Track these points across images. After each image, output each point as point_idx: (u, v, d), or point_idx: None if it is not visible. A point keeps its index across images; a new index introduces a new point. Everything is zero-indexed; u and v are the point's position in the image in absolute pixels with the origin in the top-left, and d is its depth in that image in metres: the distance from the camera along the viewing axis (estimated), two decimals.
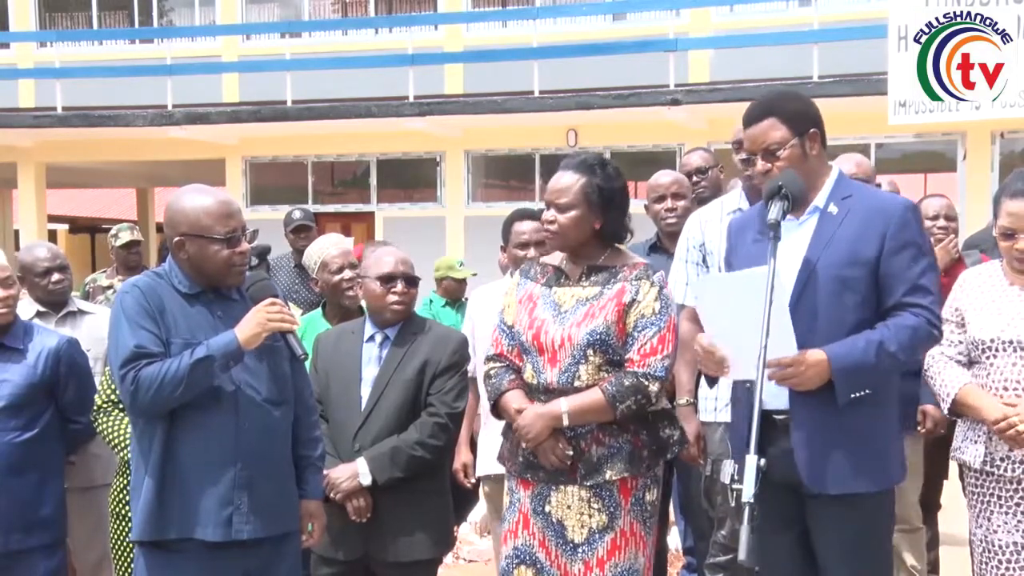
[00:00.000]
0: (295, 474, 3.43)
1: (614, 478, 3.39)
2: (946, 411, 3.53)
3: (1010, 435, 3.35)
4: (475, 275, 7.72)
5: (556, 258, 3.61)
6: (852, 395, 3.05)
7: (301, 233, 7.63)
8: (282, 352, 3.34)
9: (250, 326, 3.20)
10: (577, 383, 3.39)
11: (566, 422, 3.37)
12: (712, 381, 3.41)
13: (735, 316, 3.00)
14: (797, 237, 3.19)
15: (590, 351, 3.38)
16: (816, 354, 3.03)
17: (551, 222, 3.46)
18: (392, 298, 3.88)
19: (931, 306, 3.13)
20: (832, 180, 3.24)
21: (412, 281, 3.93)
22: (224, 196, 3.35)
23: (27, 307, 4.69)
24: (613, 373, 3.38)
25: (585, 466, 3.40)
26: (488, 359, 3.63)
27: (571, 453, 3.40)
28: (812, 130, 3.19)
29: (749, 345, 2.90)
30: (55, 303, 4.77)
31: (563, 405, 3.37)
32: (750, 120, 3.23)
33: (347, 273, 4.46)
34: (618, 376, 3.36)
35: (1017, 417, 3.34)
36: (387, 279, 3.89)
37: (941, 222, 4.79)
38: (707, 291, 3.27)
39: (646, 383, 3.34)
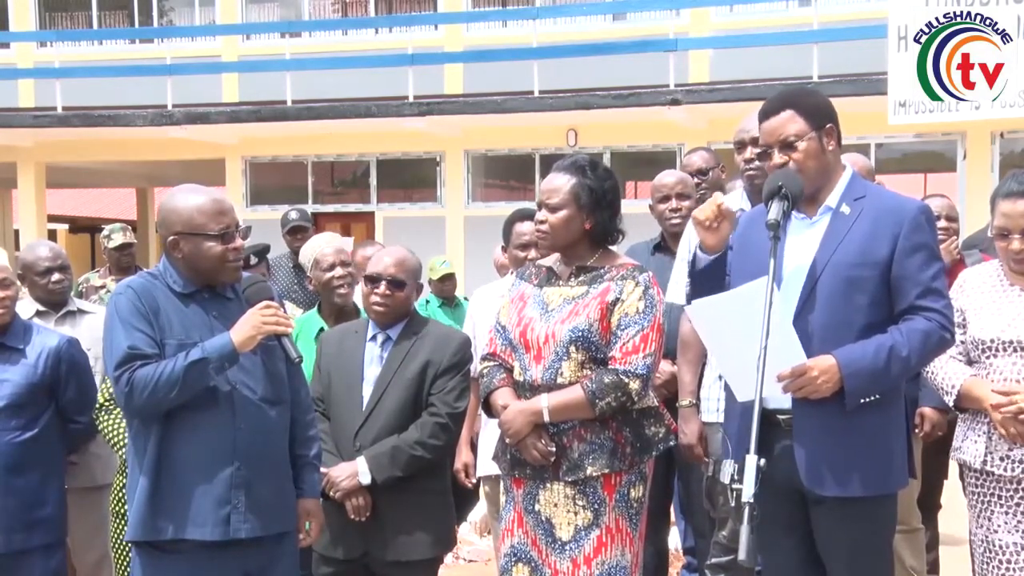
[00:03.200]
0: (292, 473, 3.43)
1: (595, 474, 3.43)
2: (951, 403, 3.52)
3: (1012, 409, 3.32)
4: (451, 272, 7.78)
5: (551, 260, 3.66)
6: (861, 400, 3.04)
7: (297, 234, 7.63)
8: (278, 351, 3.34)
9: (245, 329, 3.20)
10: (560, 379, 3.44)
11: (546, 418, 3.42)
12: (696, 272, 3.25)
13: (740, 333, 2.93)
14: (809, 236, 3.18)
15: (572, 348, 3.42)
16: (826, 360, 3.00)
17: (542, 222, 3.52)
18: (373, 299, 3.89)
19: (944, 310, 3.11)
20: (846, 180, 3.22)
21: (397, 284, 3.88)
22: (216, 194, 3.37)
23: (27, 306, 4.69)
24: (595, 371, 3.41)
25: (567, 462, 3.44)
26: (483, 358, 3.68)
27: (553, 449, 3.43)
28: (829, 125, 3.18)
29: (756, 361, 2.84)
30: (55, 303, 4.77)
31: (544, 401, 3.43)
32: (767, 112, 3.21)
33: (338, 271, 4.48)
34: (599, 373, 3.40)
35: (1019, 396, 3.32)
36: (370, 280, 3.91)
37: (942, 223, 4.78)
38: (705, 314, 3.18)
39: (626, 380, 3.38)
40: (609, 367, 3.41)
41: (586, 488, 3.44)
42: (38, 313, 4.72)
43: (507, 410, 3.48)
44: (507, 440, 3.51)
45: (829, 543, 3.19)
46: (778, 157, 3.16)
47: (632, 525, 3.50)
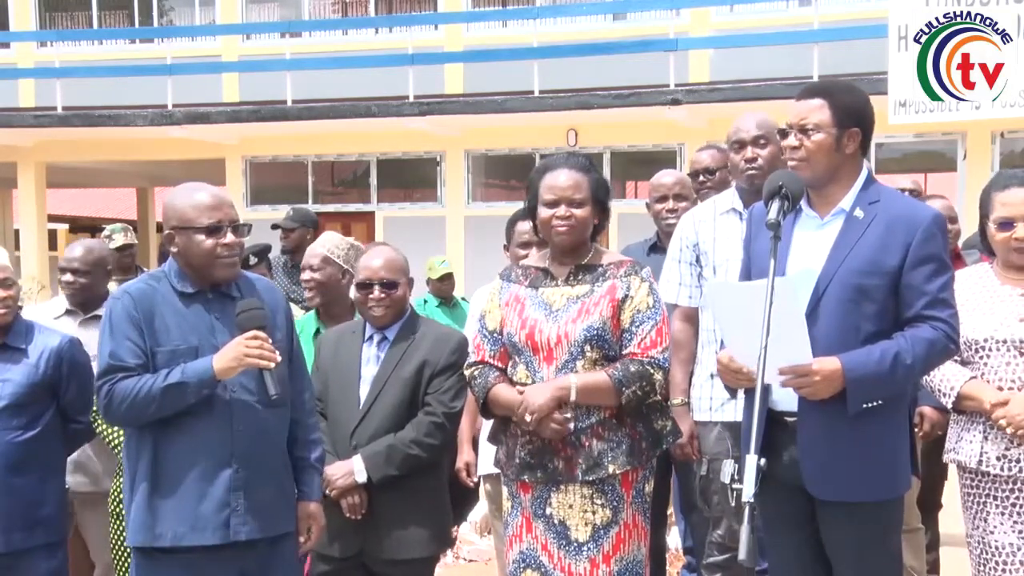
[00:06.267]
0: (294, 476, 3.43)
1: (616, 472, 3.43)
2: (949, 405, 3.52)
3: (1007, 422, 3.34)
4: (450, 272, 7.81)
5: (534, 259, 3.67)
6: (864, 405, 3.03)
7: (283, 234, 7.69)
8: (282, 345, 3.32)
9: (227, 358, 3.17)
10: None
11: (573, 396, 3.39)
12: (732, 392, 3.35)
13: (752, 324, 2.94)
14: (819, 238, 3.17)
15: (587, 347, 3.43)
16: (830, 363, 2.99)
17: (568, 217, 3.49)
18: (370, 304, 3.91)
19: (950, 319, 3.11)
20: (861, 182, 3.21)
21: (389, 284, 3.89)
22: (215, 191, 3.37)
23: (58, 303, 4.80)
24: (612, 365, 3.42)
25: (586, 462, 3.43)
26: (468, 366, 3.65)
27: (570, 416, 3.39)
28: (855, 129, 3.18)
29: (767, 353, 2.87)
30: (79, 304, 4.77)
31: (572, 379, 3.40)
32: (802, 95, 3.23)
33: (306, 275, 4.47)
34: (624, 362, 3.42)
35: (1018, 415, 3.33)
36: (361, 286, 3.92)
37: None
38: (723, 299, 3.23)
39: (651, 371, 3.41)
40: (633, 358, 3.42)
41: (604, 486, 3.45)
42: (67, 312, 4.75)
43: (530, 387, 3.44)
44: (527, 418, 3.39)
45: (836, 543, 3.20)
46: (792, 139, 3.18)
47: (646, 519, 3.54)
